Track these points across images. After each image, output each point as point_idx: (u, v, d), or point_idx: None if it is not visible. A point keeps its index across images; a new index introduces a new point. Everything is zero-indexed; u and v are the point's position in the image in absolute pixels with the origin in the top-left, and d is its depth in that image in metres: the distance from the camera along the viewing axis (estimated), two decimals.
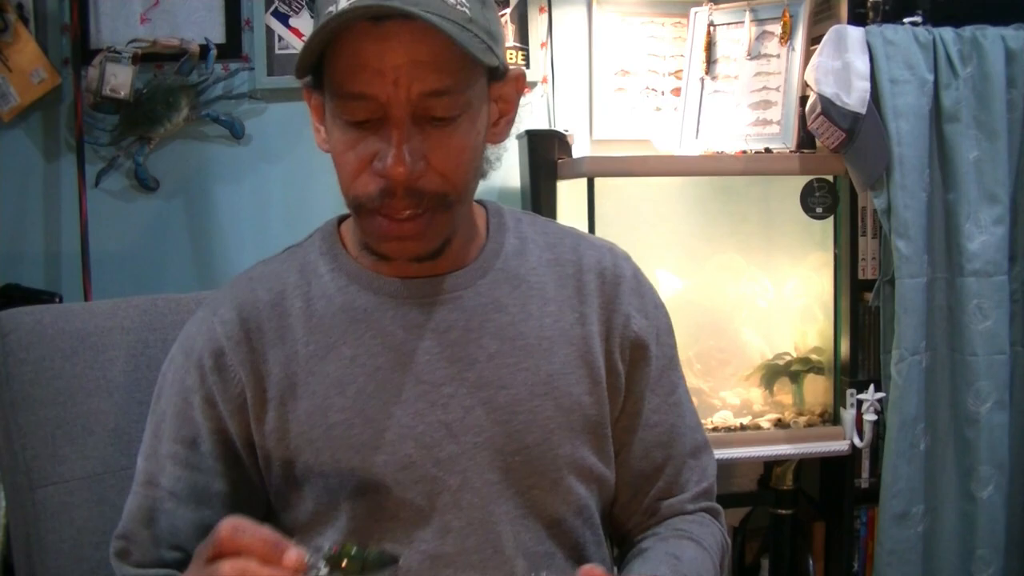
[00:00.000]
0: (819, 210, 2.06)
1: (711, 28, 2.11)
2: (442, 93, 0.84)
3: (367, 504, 0.92)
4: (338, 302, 0.96)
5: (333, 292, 0.97)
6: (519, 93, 0.97)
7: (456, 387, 0.94)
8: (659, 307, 1.06)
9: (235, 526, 0.69)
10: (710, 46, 2.11)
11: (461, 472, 0.93)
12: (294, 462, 0.94)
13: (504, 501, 0.94)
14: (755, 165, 1.99)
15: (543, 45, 2.23)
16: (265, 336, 0.95)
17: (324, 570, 0.67)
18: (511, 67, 0.96)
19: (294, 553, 0.68)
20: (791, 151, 1.98)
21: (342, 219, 1.04)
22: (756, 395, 2.10)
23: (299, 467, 0.93)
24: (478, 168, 0.93)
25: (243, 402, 0.94)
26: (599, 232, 1.77)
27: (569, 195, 1.99)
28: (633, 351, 1.02)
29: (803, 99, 1.97)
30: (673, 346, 1.07)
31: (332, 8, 0.83)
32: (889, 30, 1.91)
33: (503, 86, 0.94)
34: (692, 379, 2.02)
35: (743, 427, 2.01)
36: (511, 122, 0.98)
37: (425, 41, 0.82)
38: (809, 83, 1.92)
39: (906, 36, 1.90)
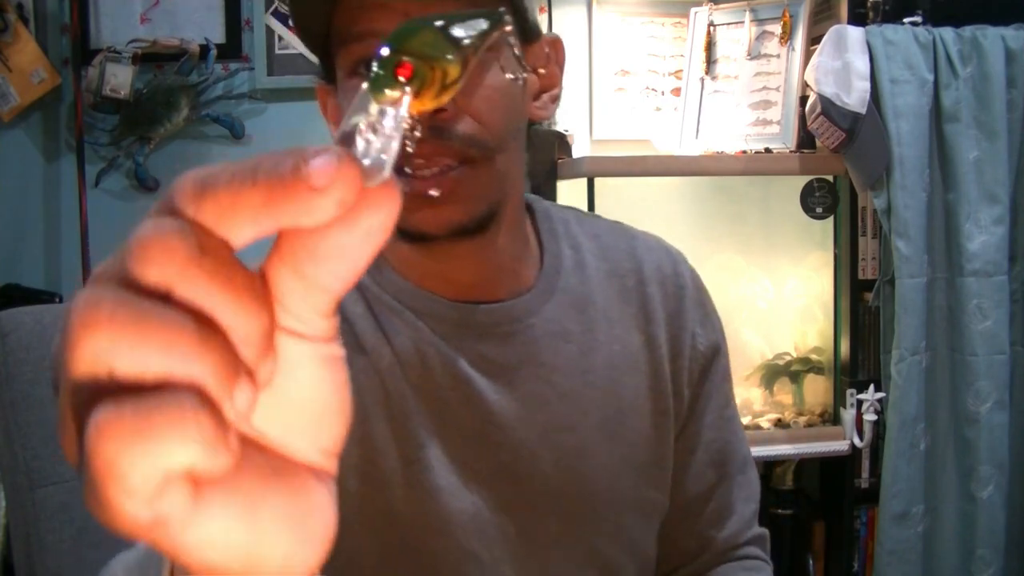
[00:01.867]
0: (819, 210, 2.06)
1: (711, 28, 2.11)
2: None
3: (422, 550, 0.83)
4: (396, 324, 0.83)
5: (390, 313, 0.84)
6: (560, 64, 0.87)
7: (526, 431, 0.84)
8: (717, 317, 0.98)
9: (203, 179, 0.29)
10: (710, 46, 2.11)
11: (521, 520, 0.85)
12: (351, 492, 0.81)
13: (563, 549, 0.87)
14: (755, 165, 1.99)
15: None
16: (348, 349, 0.82)
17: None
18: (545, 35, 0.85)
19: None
20: (791, 151, 1.98)
21: None
22: (756, 395, 2.10)
23: (356, 497, 0.81)
24: (516, 123, 0.80)
25: None
26: None
27: (569, 195, 1.99)
28: (699, 371, 0.94)
29: (803, 99, 1.97)
30: (727, 355, 0.98)
31: None
32: (889, 30, 1.91)
33: (538, 49, 0.84)
34: None
35: (743, 427, 2.01)
36: (556, 99, 0.86)
37: None
38: (809, 83, 1.92)
39: (906, 36, 1.91)
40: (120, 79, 2.07)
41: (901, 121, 1.88)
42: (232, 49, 2.18)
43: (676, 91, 2.19)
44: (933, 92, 1.91)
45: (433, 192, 0.74)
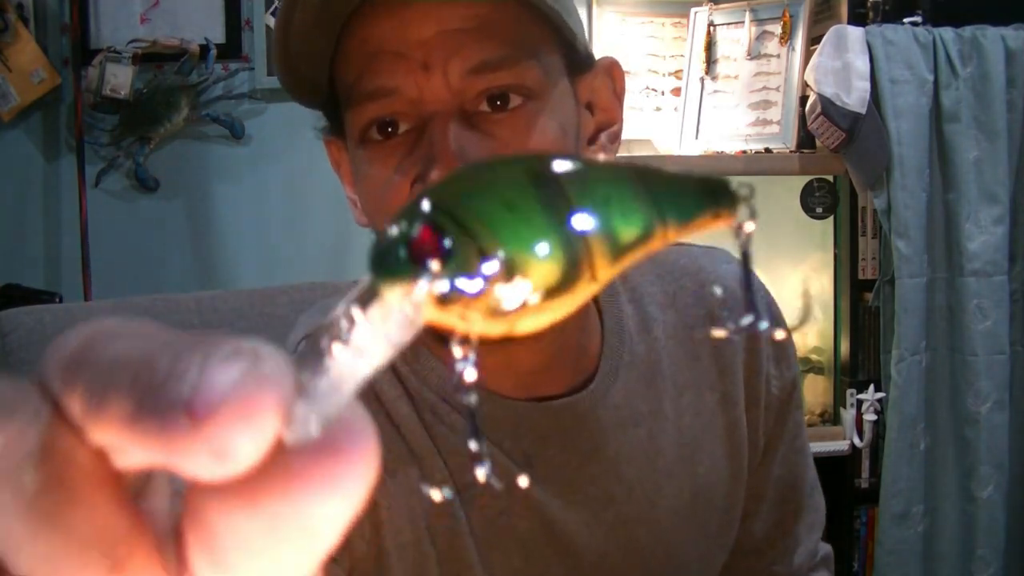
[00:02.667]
0: (819, 210, 2.06)
1: (711, 28, 2.11)
2: (497, 65, 0.60)
3: None
4: (445, 422, 0.71)
5: (434, 407, 0.71)
6: (620, 95, 0.72)
7: (591, 533, 0.75)
8: (791, 346, 0.87)
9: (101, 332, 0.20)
10: (710, 46, 2.11)
11: None
12: None
13: None
14: (755, 165, 1.99)
15: None
16: (392, 443, 0.71)
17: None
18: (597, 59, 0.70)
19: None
20: (791, 151, 1.98)
21: None
22: None
23: None
24: None
25: (377, 523, 0.69)
26: None
27: None
28: (774, 417, 0.84)
29: (803, 99, 1.97)
30: (798, 378, 0.86)
31: None
32: (889, 30, 1.91)
33: (592, 80, 0.70)
34: None
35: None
36: (616, 138, 0.72)
37: (459, 1, 0.60)
38: (809, 83, 1.92)
39: (906, 36, 1.90)
40: (120, 79, 2.07)
41: (901, 121, 1.88)
42: (232, 49, 2.18)
43: (676, 91, 2.19)
44: (933, 92, 1.91)
45: None
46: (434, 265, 0.18)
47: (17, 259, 2.14)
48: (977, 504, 1.94)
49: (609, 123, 0.72)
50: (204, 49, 2.13)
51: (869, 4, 1.99)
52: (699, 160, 2.03)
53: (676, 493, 0.78)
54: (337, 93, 0.65)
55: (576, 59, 0.67)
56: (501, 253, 0.18)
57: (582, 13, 2.21)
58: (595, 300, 0.77)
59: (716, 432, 0.80)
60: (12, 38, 2.04)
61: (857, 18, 1.99)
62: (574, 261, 0.18)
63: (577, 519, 0.74)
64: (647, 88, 2.23)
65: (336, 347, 0.18)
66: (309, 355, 0.18)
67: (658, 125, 2.19)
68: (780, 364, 0.83)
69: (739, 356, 0.80)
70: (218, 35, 2.17)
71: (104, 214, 2.15)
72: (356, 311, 0.19)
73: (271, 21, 2.17)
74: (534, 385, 0.72)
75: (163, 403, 0.17)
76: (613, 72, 0.72)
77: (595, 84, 0.71)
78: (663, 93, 2.22)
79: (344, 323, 0.18)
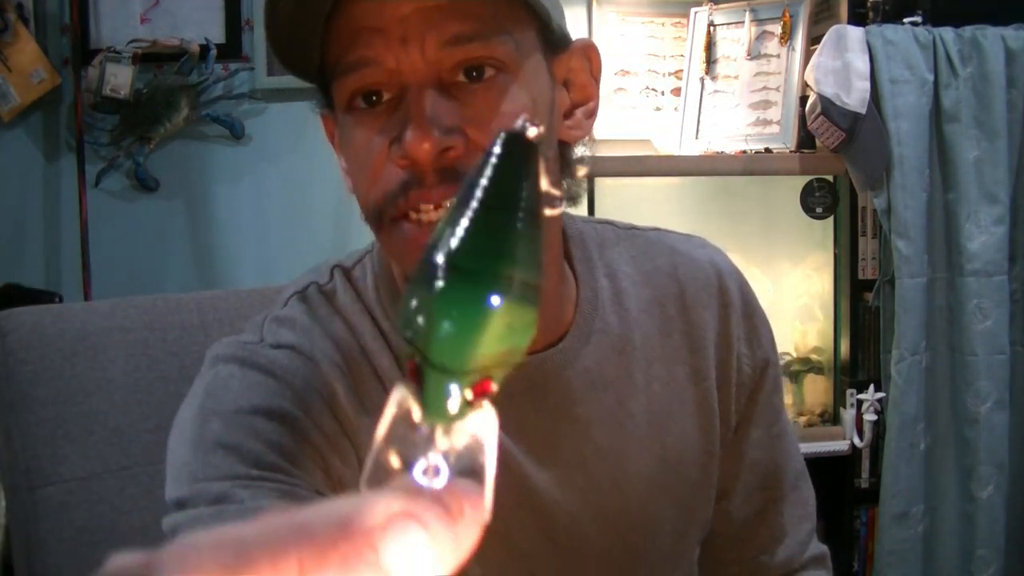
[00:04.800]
0: (819, 210, 2.06)
1: (711, 28, 2.11)
2: (470, 38, 0.64)
3: None
4: None
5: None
6: (596, 76, 0.76)
7: (562, 493, 0.78)
8: (766, 325, 0.89)
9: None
10: (710, 46, 2.11)
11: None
12: None
13: None
14: (755, 165, 1.99)
15: None
16: (371, 393, 0.74)
17: None
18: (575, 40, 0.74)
19: None
20: (791, 151, 1.98)
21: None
22: None
23: None
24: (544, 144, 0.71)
25: (356, 467, 0.73)
26: None
27: None
28: (746, 395, 0.87)
29: (803, 99, 1.97)
30: (777, 365, 0.89)
31: None
32: (889, 30, 1.91)
33: (569, 60, 0.73)
34: None
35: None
36: (592, 115, 0.75)
37: None
38: (809, 83, 1.92)
39: (906, 36, 1.91)
40: (120, 79, 2.07)
41: (901, 121, 1.88)
42: (232, 49, 2.18)
43: (676, 91, 2.19)
44: (933, 92, 1.91)
45: None
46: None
47: (17, 259, 2.14)
48: (977, 504, 1.94)
49: (585, 100, 0.76)
50: (204, 49, 2.13)
51: (869, 4, 1.99)
52: (699, 160, 2.03)
53: (646, 458, 0.81)
54: (326, 68, 0.69)
55: (551, 38, 0.71)
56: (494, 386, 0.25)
57: (582, 13, 2.22)
58: (573, 273, 0.81)
59: (686, 404, 0.83)
60: (12, 38, 2.05)
61: (857, 18, 1.99)
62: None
63: (549, 478, 0.77)
64: (647, 88, 2.23)
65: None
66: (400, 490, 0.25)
67: (658, 125, 2.19)
68: (752, 344, 0.86)
69: (710, 334, 0.84)
70: (218, 35, 2.17)
71: (104, 214, 2.15)
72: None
73: None
74: None
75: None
76: (589, 53, 0.76)
77: (571, 64, 0.74)
78: (663, 93, 2.22)
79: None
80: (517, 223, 0.25)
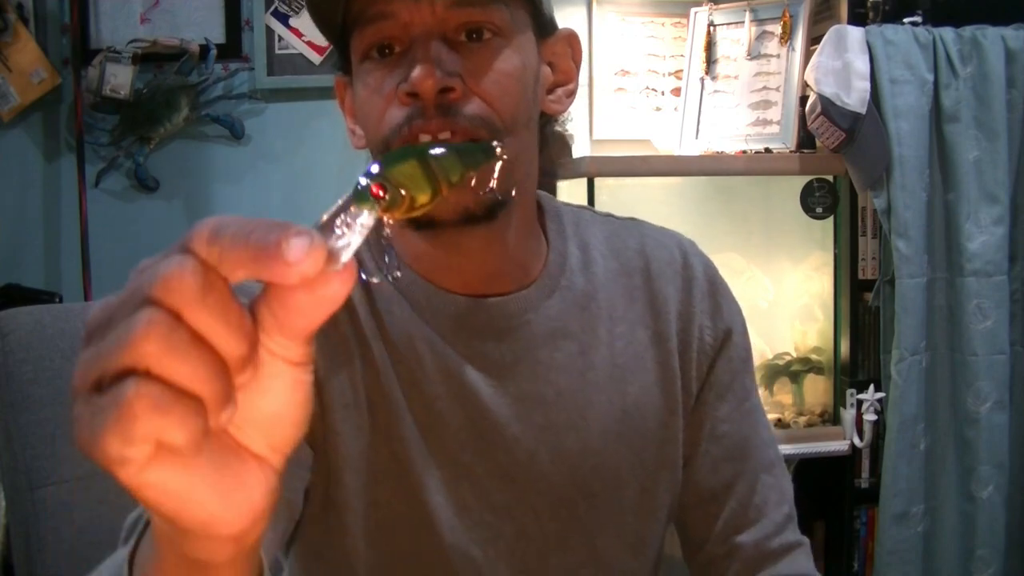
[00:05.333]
0: (819, 210, 2.06)
1: (711, 28, 2.11)
2: (472, 2, 0.75)
3: (417, 549, 0.82)
4: (396, 315, 0.83)
5: (389, 300, 0.83)
6: (576, 61, 0.86)
7: (521, 429, 0.83)
8: (732, 305, 0.94)
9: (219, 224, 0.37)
10: (710, 46, 2.11)
11: (518, 519, 0.84)
12: (346, 484, 0.82)
13: (564, 552, 0.85)
14: (755, 165, 1.99)
15: None
16: (344, 333, 0.83)
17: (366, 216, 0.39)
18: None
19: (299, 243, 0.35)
20: (791, 151, 1.98)
21: None
22: None
23: (351, 490, 0.82)
24: (527, 110, 0.79)
25: (317, 394, 0.79)
26: None
27: (569, 195, 1.99)
28: (707, 363, 0.91)
29: (803, 99, 1.97)
30: (747, 348, 0.94)
31: None
32: (889, 30, 1.91)
33: (554, 45, 0.84)
34: None
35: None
36: (571, 94, 0.85)
37: None
38: (809, 83, 1.92)
39: (906, 36, 1.91)
40: (120, 79, 2.07)
41: (901, 121, 1.88)
42: (232, 49, 2.18)
43: (676, 91, 2.19)
44: (933, 92, 1.91)
45: None
46: (380, 195, 0.42)
47: (17, 259, 2.14)
48: (977, 504, 1.94)
49: (566, 82, 0.86)
50: (204, 49, 2.13)
51: (869, 4, 1.99)
52: (699, 160, 2.03)
53: (606, 407, 0.86)
54: (347, 24, 0.78)
55: (541, 21, 0.82)
56: (404, 192, 0.43)
57: (582, 13, 2.22)
58: (546, 237, 0.89)
59: (647, 363, 0.88)
60: (12, 38, 2.05)
61: (857, 18, 1.99)
62: (434, 192, 0.44)
63: (509, 414, 0.83)
64: (647, 88, 2.23)
65: (338, 226, 0.38)
66: (327, 229, 0.38)
67: (658, 125, 2.19)
68: (714, 317, 0.91)
69: (672, 305, 0.90)
70: (218, 35, 2.17)
71: (104, 214, 2.15)
72: (348, 212, 0.39)
73: (271, 21, 2.17)
74: (477, 288, 0.83)
75: (269, 250, 0.34)
76: (572, 42, 0.86)
77: (556, 48, 0.85)
78: (663, 93, 2.22)
79: (342, 217, 0.38)
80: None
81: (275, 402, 0.38)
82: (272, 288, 0.36)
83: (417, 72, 0.71)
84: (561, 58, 0.85)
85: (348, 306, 0.82)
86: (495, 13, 0.76)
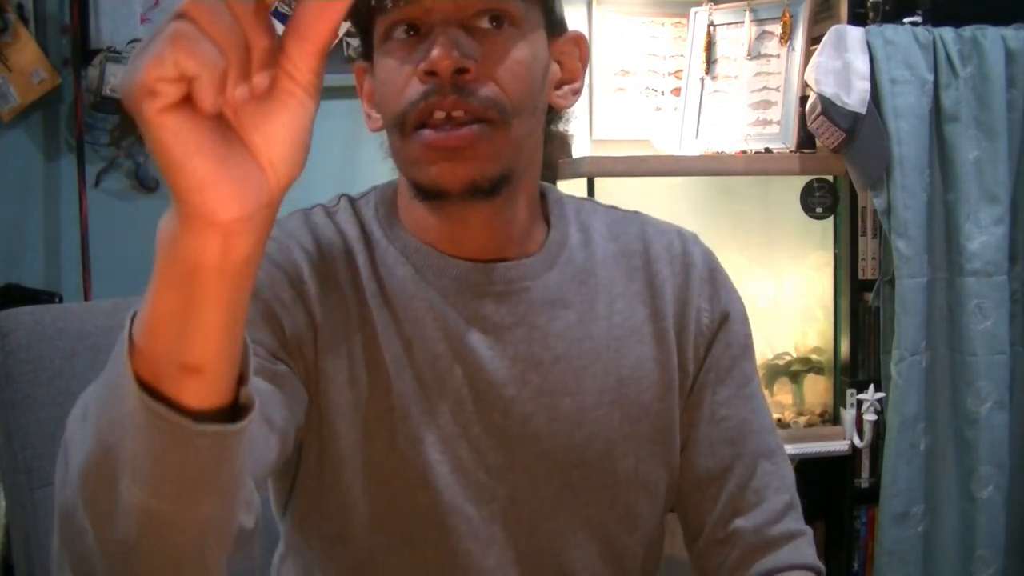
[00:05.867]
0: (819, 210, 2.06)
1: (711, 28, 2.11)
2: None
3: (413, 505, 0.84)
4: (398, 275, 0.86)
5: (392, 262, 0.87)
6: (583, 62, 0.90)
7: (518, 390, 0.85)
8: (731, 292, 0.96)
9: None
10: (710, 46, 2.11)
11: (512, 482, 0.86)
12: (340, 436, 0.84)
13: (556, 517, 0.87)
14: (755, 165, 1.99)
15: None
16: (341, 283, 0.85)
17: None
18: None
19: None
20: (791, 151, 1.98)
21: (397, 186, 0.92)
22: None
23: (345, 442, 0.84)
24: (535, 98, 0.83)
25: (311, 338, 0.83)
26: None
27: None
28: (704, 345, 0.93)
29: (803, 99, 1.97)
30: (747, 335, 0.96)
31: None
32: (889, 30, 1.91)
33: (563, 44, 0.88)
34: None
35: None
36: (577, 92, 0.90)
37: None
38: (809, 83, 1.92)
39: (906, 36, 1.91)
40: (120, 79, 2.07)
41: (901, 121, 1.88)
42: None
43: (676, 91, 2.19)
44: (933, 92, 1.91)
45: (448, 144, 0.77)
46: None
47: (17, 259, 2.14)
48: (977, 504, 1.94)
49: (572, 81, 0.90)
50: None
51: (869, 4, 1.99)
52: (699, 160, 2.03)
53: (601, 376, 0.88)
54: (373, 9, 0.82)
55: (552, 20, 0.86)
56: None
57: (582, 13, 2.22)
58: (546, 219, 0.92)
59: (644, 338, 0.90)
60: (12, 38, 2.04)
61: (857, 18, 1.99)
62: None
63: (507, 375, 0.85)
64: (647, 88, 2.23)
65: None
66: None
67: (658, 125, 2.19)
68: (712, 301, 0.94)
69: (669, 287, 0.92)
70: None
71: (104, 214, 2.15)
72: None
73: (271, 21, 2.17)
74: (480, 256, 0.87)
75: None
76: (579, 43, 0.90)
77: (565, 47, 0.88)
78: (663, 93, 2.22)
79: None
80: None
81: (282, 118, 0.46)
82: (293, 17, 0.45)
83: (436, 52, 0.76)
84: (568, 57, 0.89)
85: (349, 262, 0.86)
86: (512, 4, 0.80)
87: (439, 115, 0.77)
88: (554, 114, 0.90)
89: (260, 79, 0.44)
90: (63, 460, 0.56)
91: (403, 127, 0.80)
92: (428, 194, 0.81)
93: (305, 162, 0.48)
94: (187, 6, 0.42)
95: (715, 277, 0.95)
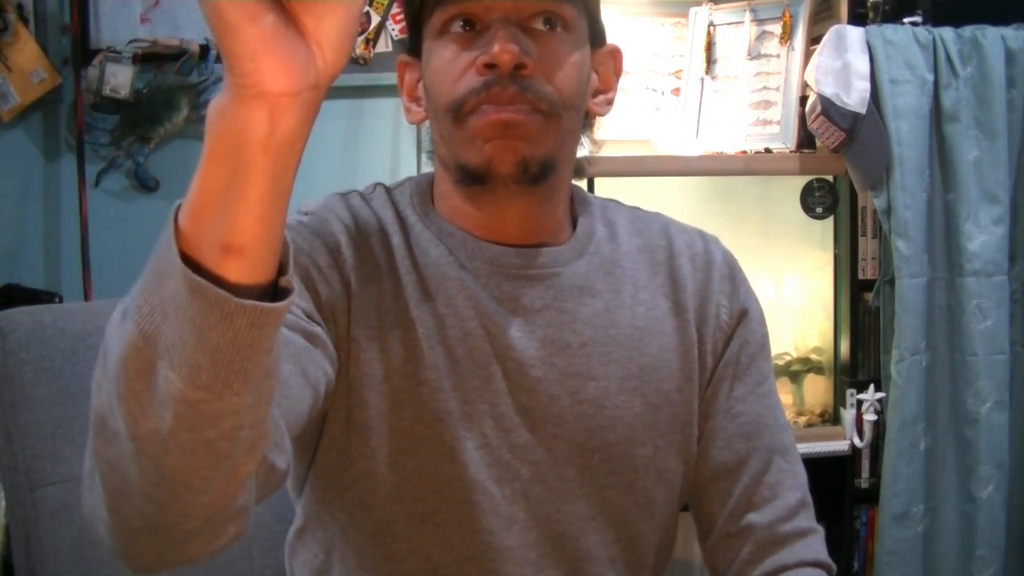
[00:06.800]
0: (819, 210, 2.06)
1: (711, 28, 2.11)
2: None
3: (437, 477, 0.86)
4: (432, 255, 0.89)
5: (427, 243, 0.90)
6: (617, 74, 0.96)
7: (545, 371, 0.88)
8: (750, 292, 1.00)
9: None
10: (710, 46, 2.11)
11: (535, 462, 0.88)
12: (369, 405, 0.86)
13: (575, 500, 0.89)
14: (755, 165, 1.99)
15: None
16: (376, 257, 0.89)
17: None
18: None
19: None
20: (791, 151, 1.98)
21: (431, 179, 0.96)
22: None
23: (373, 411, 0.86)
24: (578, 98, 0.88)
25: (345, 307, 0.86)
26: None
27: None
28: (723, 340, 0.96)
29: (803, 99, 1.97)
30: (765, 335, 0.99)
31: None
32: (889, 30, 1.91)
33: (601, 55, 0.94)
34: None
35: None
36: (610, 103, 0.95)
37: None
38: (809, 83, 1.92)
39: (906, 36, 1.90)
40: (120, 79, 2.07)
41: (901, 121, 1.88)
42: None
43: (676, 91, 2.19)
44: (933, 92, 1.91)
45: (506, 120, 0.82)
46: None
47: (17, 259, 2.14)
48: (977, 504, 1.94)
49: (606, 90, 0.95)
50: (204, 49, 2.13)
51: (869, 4, 1.99)
52: (699, 160, 2.03)
53: (624, 363, 0.91)
54: (424, 8, 0.87)
55: (595, 32, 0.92)
56: None
57: None
58: (573, 216, 0.96)
59: (667, 328, 0.94)
60: (12, 38, 2.04)
61: (857, 18, 1.99)
62: None
63: (534, 355, 0.88)
64: (647, 88, 2.23)
65: None
66: None
67: (658, 125, 2.19)
68: (731, 298, 0.97)
69: (690, 282, 0.96)
70: None
71: (104, 214, 2.15)
72: None
73: None
74: (514, 242, 0.90)
75: None
76: (616, 56, 0.96)
77: (603, 59, 0.94)
78: (663, 93, 2.22)
79: None
80: None
81: (335, 9, 0.47)
82: None
83: (498, 46, 0.80)
84: (605, 68, 0.95)
85: (384, 241, 0.90)
86: (566, 9, 0.86)
87: (501, 98, 0.82)
88: (587, 120, 0.95)
89: None
90: (101, 363, 0.57)
91: (459, 111, 0.84)
92: (476, 176, 0.85)
93: (352, 50, 0.50)
94: None
95: (734, 276, 0.99)
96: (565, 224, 0.95)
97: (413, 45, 0.91)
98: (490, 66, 0.81)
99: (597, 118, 0.98)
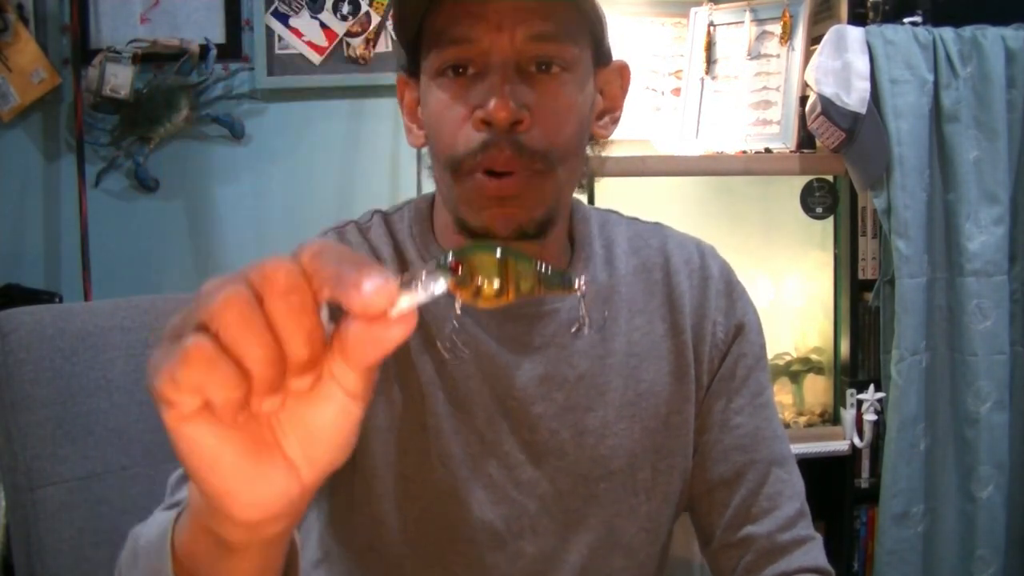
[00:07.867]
0: (819, 210, 2.06)
1: (711, 28, 2.11)
2: (548, 38, 0.81)
3: (444, 520, 0.87)
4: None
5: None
6: (624, 90, 0.93)
7: (545, 407, 0.89)
8: (747, 304, 0.99)
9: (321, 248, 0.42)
10: (710, 46, 2.11)
11: (540, 496, 0.89)
12: (375, 454, 0.87)
13: (583, 530, 0.90)
14: (755, 165, 1.99)
15: None
16: None
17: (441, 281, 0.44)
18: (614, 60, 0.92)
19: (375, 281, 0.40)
20: (791, 151, 1.98)
21: (432, 202, 0.95)
22: None
23: (378, 459, 0.87)
24: (581, 139, 0.86)
25: None
26: None
27: None
28: (719, 357, 0.96)
29: (803, 99, 1.97)
30: (762, 346, 0.99)
31: None
32: (889, 30, 1.91)
33: (608, 74, 0.91)
34: None
35: None
36: (616, 121, 0.93)
37: None
38: (809, 83, 1.92)
39: (906, 36, 1.90)
40: (120, 79, 2.07)
41: (901, 121, 1.88)
42: (232, 49, 2.17)
43: (676, 91, 2.19)
44: (933, 92, 1.91)
45: (500, 193, 0.81)
46: (455, 270, 0.44)
47: (17, 259, 2.14)
48: (977, 504, 1.94)
49: (612, 110, 0.92)
50: (204, 49, 2.13)
51: (869, 4, 1.99)
52: (699, 160, 2.03)
53: (621, 391, 0.91)
54: (422, 38, 0.84)
55: (601, 52, 0.89)
56: (475, 277, 0.45)
57: None
58: (571, 240, 0.95)
59: (662, 352, 0.93)
60: (12, 38, 2.05)
61: (857, 18, 1.99)
62: (503, 288, 0.45)
63: (534, 393, 0.88)
64: (647, 88, 2.22)
65: (414, 284, 0.42)
66: (405, 284, 0.41)
67: (658, 125, 2.19)
68: (728, 314, 0.96)
69: (687, 300, 0.95)
70: (218, 35, 2.17)
71: (104, 214, 2.15)
72: (425, 276, 0.42)
73: (271, 21, 2.17)
74: None
75: (352, 276, 0.39)
76: (623, 72, 0.93)
77: (609, 77, 0.91)
78: (663, 93, 2.22)
79: (419, 278, 0.42)
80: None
81: (322, 421, 0.42)
82: (346, 317, 0.40)
83: (494, 104, 0.79)
84: (611, 86, 0.92)
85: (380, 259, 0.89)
86: (566, 50, 0.83)
87: (496, 163, 0.80)
88: (592, 142, 0.92)
89: (297, 383, 0.40)
90: None
91: (457, 170, 0.83)
92: (475, 233, 0.84)
93: (348, 453, 0.44)
94: (214, 310, 0.38)
95: (731, 290, 0.98)
96: (564, 251, 0.94)
97: (411, 67, 0.89)
98: (487, 122, 0.80)
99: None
